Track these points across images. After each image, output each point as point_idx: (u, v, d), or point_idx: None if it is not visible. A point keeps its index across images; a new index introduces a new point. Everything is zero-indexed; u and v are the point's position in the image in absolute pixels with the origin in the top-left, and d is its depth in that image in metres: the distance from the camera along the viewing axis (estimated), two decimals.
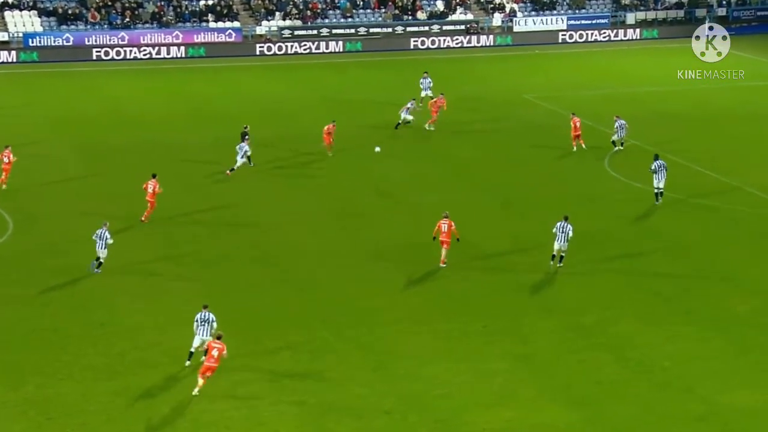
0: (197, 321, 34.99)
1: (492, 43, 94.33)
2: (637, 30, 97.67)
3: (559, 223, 43.09)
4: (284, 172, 56.70)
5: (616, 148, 59.40)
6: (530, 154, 58.08)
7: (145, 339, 36.89)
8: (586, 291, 41.46)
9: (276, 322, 38.46)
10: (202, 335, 34.73)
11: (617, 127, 59.26)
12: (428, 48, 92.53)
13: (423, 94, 68.68)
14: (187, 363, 34.79)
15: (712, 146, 61.00)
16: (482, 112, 69.02)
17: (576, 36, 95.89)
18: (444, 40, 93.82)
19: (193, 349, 34.90)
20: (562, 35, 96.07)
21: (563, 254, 43.16)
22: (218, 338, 33.73)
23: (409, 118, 63.23)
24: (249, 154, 55.29)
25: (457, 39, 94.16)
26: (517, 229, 47.90)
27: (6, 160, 52.72)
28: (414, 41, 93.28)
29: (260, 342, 36.82)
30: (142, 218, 47.94)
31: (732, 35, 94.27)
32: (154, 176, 48.17)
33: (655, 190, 50.57)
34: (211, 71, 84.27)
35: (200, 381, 33.01)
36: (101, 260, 42.26)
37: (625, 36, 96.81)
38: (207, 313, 35.01)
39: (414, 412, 32.28)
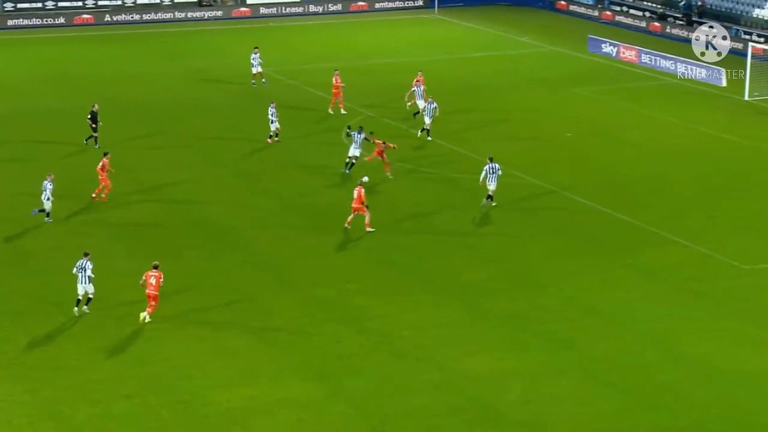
0: (77, 268, 36.14)
1: (226, 16, 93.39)
2: (372, 1, 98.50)
3: (488, 165, 45.83)
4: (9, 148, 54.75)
5: (422, 131, 57.03)
6: (261, 128, 57.56)
7: None
8: (324, 264, 41.77)
9: (8, 307, 37.21)
10: (83, 282, 36.02)
11: (432, 109, 56.71)
12: (160, 20, 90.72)
13: (254, 71, 67.00)
14: (75, 310, 36.33)
15: (444, 117, 62.29)
16: (216, 87, 68.27)
17: (311, 7, 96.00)
18: (176, 12, 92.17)
19: (80, 297, 36.17)
20: (297, 8, 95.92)
21: (492, 193, 46.14)
22: (155, 267, 35.95)
23: None
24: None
25: (189, 11, 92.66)
26: (255, 204, 47.80)
27: None
28: (145, 14, 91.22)
29: None
30: (93, 195, 47.79)
31: (461, 6, 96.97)
32: (105, 154, 48.07)
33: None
34: None
35: (148, 310, 35.77)
36: (45, 210, 44.60)
37: (360, 8, 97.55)
38: (85, 261, 36.08)
39: (155, 395, 32.00)
